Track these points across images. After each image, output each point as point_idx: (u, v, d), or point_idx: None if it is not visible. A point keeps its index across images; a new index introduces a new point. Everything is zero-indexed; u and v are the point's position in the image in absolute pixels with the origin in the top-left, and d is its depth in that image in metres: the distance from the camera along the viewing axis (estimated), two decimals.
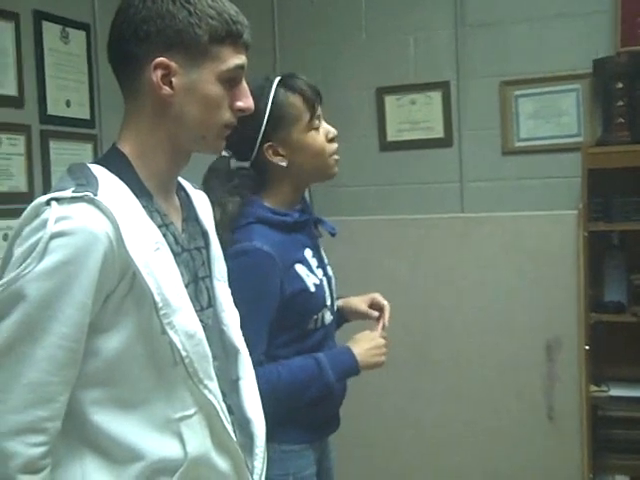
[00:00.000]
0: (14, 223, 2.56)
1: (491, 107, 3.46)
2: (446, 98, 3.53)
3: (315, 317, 1.98)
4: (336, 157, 2.03)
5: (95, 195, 1.19)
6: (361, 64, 3.64)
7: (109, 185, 1.25)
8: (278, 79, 1.98)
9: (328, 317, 2.03)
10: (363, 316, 2.19)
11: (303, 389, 1.90)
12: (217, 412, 1.33)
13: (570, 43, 3.30)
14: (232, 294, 1.56)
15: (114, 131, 3.19)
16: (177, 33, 1.29)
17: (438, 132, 3.57)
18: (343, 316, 2.20)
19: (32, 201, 2.73)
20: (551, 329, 3.18)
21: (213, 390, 1.33)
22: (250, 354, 1.61)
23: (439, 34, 3.53)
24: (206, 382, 1.31)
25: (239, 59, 1.35)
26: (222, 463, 1.35)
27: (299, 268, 1.96)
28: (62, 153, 2.87)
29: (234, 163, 2.03)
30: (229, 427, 1.37)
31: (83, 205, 1.18)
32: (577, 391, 3.11)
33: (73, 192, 1.19)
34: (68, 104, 2.93)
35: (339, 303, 2.17)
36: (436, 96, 3.56)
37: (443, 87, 3.54)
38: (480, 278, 3.34)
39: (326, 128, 2.01)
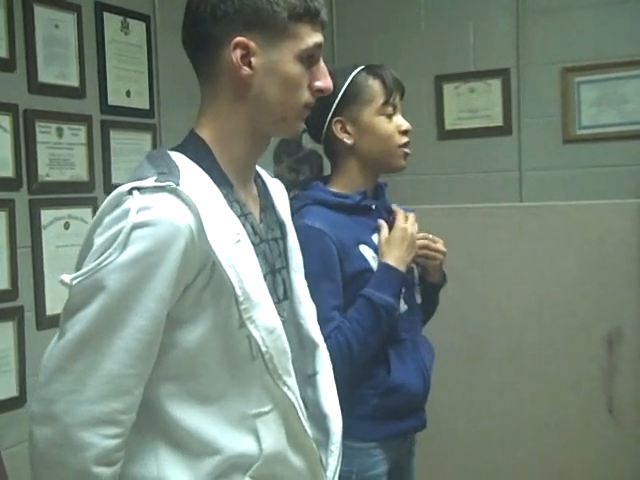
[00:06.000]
0: (75, 211, 2.65)
1: (552, 94, 3.40)
2: (506, 86, 3.49)
3: None
4: (406, 150, 2.02)
5: (177, 185, 1.17)
6: (420, 52, 3.61)
7: (190, 174, 1.24)
8: (364, 66, 2.01)
9: (402, 306, 1.99)
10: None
11: (368, 328, 1.86)
12: (295, 408, 1.31)
13: (635, 28, 3.22)
14: None
15: (172, 121, 3.23)
16: (255, 11, 1.27)
17: (497, 120, 3.53)
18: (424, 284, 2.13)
19: (93, 190, 2.79)
20: (611, 321, 3.12)
21: (292, 386, 1.30)
22: (318, 317, 1.59)
23: (499, 20, 3.48)
24: (285, 378, 1.28)
25: (317, 37, 1.33)
26: (297, 460, 1.33)
27: (363, 249, 1.95)
28: (122, 143, 2.90)
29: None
30: (305, 424, 1.34)
31: (165, 195, 1.16)
32: (638, 384, 3.04)
33: (155, 181, 1.17)
34: (128, 94, 2.96)
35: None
36: (495, 84, 3.51)
37: (503, 75, 3.49)
38: (539, 268, 3.28)
39: (400, 120, 2.02)
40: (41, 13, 2.58)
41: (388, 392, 1.93)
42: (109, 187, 2.81)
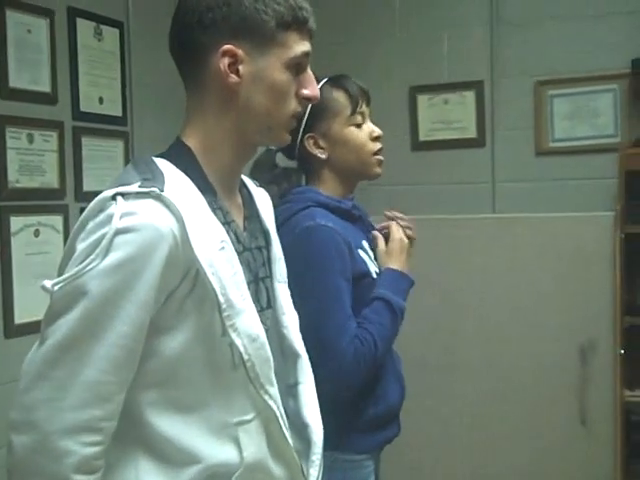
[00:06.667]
0: (45, 219, 2.61)
1: (525, 107, 3.42)
2: (480, 98, 3.50)
3: None
4: (379, 157, 2.03)
5: (162, 191, 1.17)
6: (394, 62, 3.61)
7: (175, 181, 1.22)
8: (327, 78, 2.01)
9: None
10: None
11: (388, 329, 1.87)
12: (276, 417, 1.30)
13: (608, 43, 3.25)
14: (302, 276, 1.52)
15: (145, 129, 3.20)
16: (243, 20, 1.27)
17: (471, 132, 3.54)
18: None
19: (64, 197, 2.76)
20: (585, 332, 3.13)
21: (273, 395, 1.30)
22: (342, 315, 1.65)
23: (473, 32, 3.50)
24: (267, 387, 1.28)
25: (305, 46, 1.33)
26: (278, 470, 1.32)
27: (362, 254, 1.95)
28: (94, 150, 2.87)
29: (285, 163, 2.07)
30: (287, 433, 1.34)
31: (149, 201, 1.16)
32: (611, 396, 3.06)
33: (139, 187, 1.16)
34: (101, 101, 2.93)
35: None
36: (469, 95, 3.53)
37: (477, 86, 3.50)
38: (512, 280, 3.29)
39: (371, 127, 2.02)
40: (13, 17, 2.55)
41: (376, 401, 1.93)
42: (80, 194, 2.77)
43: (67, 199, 2.74)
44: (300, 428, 1.45)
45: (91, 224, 1.16)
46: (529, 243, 3.28)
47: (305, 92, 1.35)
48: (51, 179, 2.69)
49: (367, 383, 1.90)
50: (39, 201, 2.63)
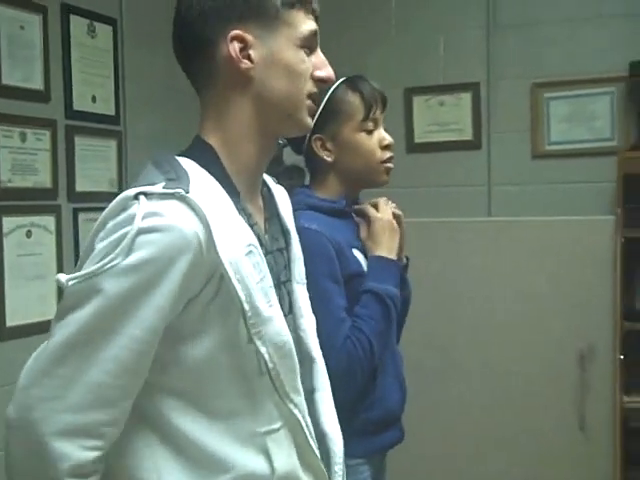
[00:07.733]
0: (38, 219, 2.57)
1: (522, 109, 3.40)
2: (476, 100, 3.48)
3: None
4: (388, 165, 1.97)
5: (187, 192, 1.11)
6: (389, 63, 3.58)
7: (200, 181, 1.17)
8: (344, 78, 1.96)
9: None
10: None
11: (379, 321, 1.82)
12: (302, 428, 1.26)
13: (605, 45, 3.25)
14: None
15: (138, 128, 3.15)
16: (247, 2, 1.23)
17: (467, 134, 3.51)
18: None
19: (56, 197, 2.71)
20: (584, 337, 3.10)
21: (299, 404, 1.25)
22: (332, 318, 1.64)
23: (470, 34, 3.48)
24: (292, 396, 1.23)
25: (312, 25, 1.29)
26: None
27: (356, 253, 1.91)
28: (87, 149, 2.82)
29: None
30: (313, 443, 1.29)
31: (174, 202, 1.10)
32: (610, 401, 3.03)
33: (164, 188, 1.11)
34: (94, 99, 2.88)
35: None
36: (466, 97, 3.50)
37: (473, 88, 3.48)
38: (509, 284, 3.26)
39: (382, 134, 1.97)
40: (6, 13, 2.51)
41: (371, 405, 1.89)
42: (73, 195, 2.73)
43: (60, 199, 2.69)
44: (319, 437, 1.40)
45: (111, 223, 1.11)
46: (525, 247, 3.26)
47: (319, 74, 1.30)
48: (44, 179, 2.64)
49: (363, 386, 1.86)
50: (31, 201, 2.59)
